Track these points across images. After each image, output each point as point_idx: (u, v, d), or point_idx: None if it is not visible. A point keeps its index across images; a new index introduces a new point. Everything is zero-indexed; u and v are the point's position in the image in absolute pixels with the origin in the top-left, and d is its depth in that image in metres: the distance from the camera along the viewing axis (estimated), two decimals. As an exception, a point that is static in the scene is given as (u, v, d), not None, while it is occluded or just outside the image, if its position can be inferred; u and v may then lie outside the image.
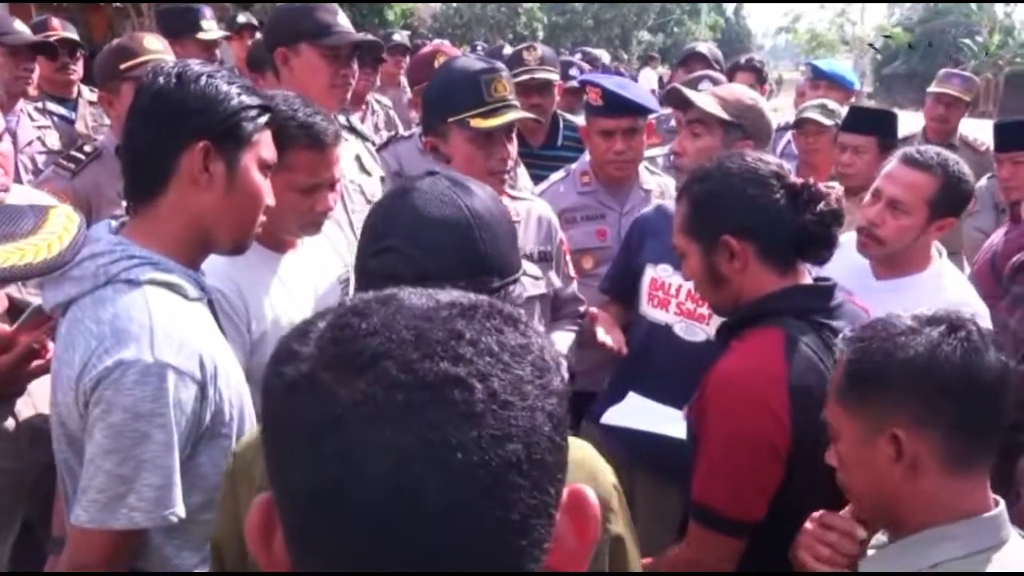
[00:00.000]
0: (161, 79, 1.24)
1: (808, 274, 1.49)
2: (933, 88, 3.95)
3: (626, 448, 1.92)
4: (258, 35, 4.26)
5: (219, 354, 1.25)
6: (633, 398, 1.96)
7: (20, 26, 2.99)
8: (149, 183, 1.26)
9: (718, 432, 1.35)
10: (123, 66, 2.36)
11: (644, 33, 33.30)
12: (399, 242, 1.00)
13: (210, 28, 3.25)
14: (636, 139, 2.40)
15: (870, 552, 1.16)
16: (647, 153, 2.64)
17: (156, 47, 2.44)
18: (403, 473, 0.45)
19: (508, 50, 4.36)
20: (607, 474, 1.02)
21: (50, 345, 1.38)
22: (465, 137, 1.87)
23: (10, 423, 1.58)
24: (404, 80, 5.13)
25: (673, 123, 3.25)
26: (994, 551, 1.01)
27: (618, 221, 2.44)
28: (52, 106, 3.32)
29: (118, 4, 8.49)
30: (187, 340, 1.19)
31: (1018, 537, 1.04)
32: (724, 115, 2.02)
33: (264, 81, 2.63)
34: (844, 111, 3.06)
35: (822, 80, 3.99)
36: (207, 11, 3.28)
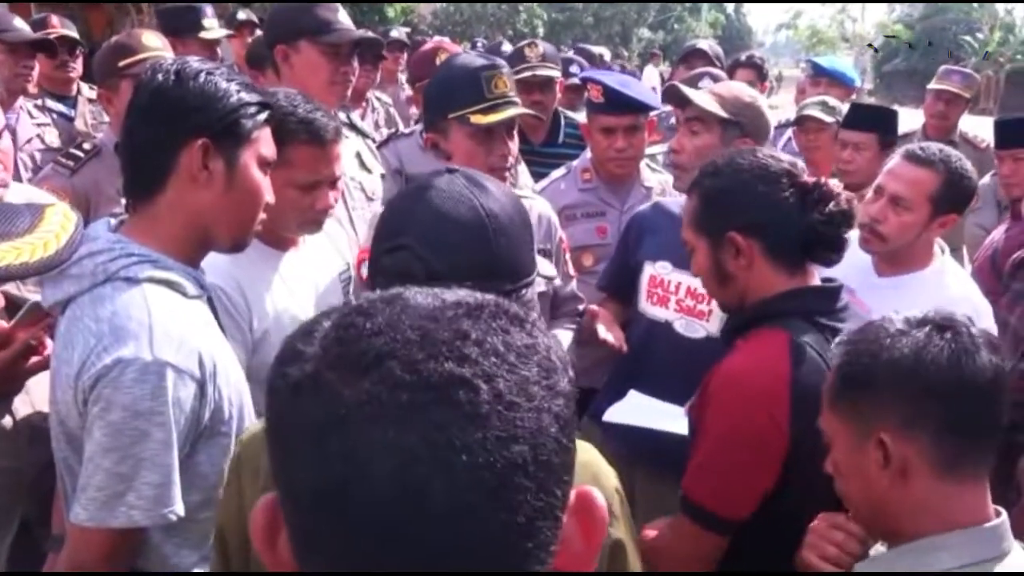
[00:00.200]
0: (160, 76, 1.24)
1: (816, 275, 1.47)
2: (933, 85, 3.94)
3: (626, 446, 1.92)
4: (258, 32, 4.25)
5: (218, 352, 1.25)
6: (634, 395, 1.96)
7: (20, 23, 2.98)
8: (148, 181, 1.25)
9: (715, 428, 1.35)
10: (122, 63, 2.35)
11: (644, 30, 33.28)
12: (413, 241, 0.99)
13: (212, 27, 3.24)
14: (637, 136, 2.40)
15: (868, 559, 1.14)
16: (648, 150, 2.64)
17: (155, 44, 2.43)
18: (408, 474, 0.44)
19: (507, 47, 4.36)
20: (610, 477, 1.02)
21: (48, 342, 1.37)
22: (465, 133, 1.87)
23: (8, 421, 1.57)
24: (402, 77, 5.13)
25: (674, 120, 3.24)
26: (994, 563, 0.97)
27: (619, 218, 2.43)
28: (52, 103, 3.32)
29: (118, 2, 8.48)
30: (186, 338, 1.18)
31: (1020, 549, 1.01)
32: (722, 113, 2.01)
33: (264, 78, 2.62)
34: (845, 108, 3.06)
35: (823, 77, 3.98)
36: (208, 9, 3.26)
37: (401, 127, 3.79)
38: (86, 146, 2.47)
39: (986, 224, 3.24)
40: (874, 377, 1.03)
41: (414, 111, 4.49)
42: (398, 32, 5.50)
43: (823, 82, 3.93)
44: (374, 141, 2.70)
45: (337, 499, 0.46)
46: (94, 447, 1.15)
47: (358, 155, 2.36)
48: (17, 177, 2.81)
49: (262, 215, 1.33)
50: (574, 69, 4.01)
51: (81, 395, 1.16)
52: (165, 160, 1.23)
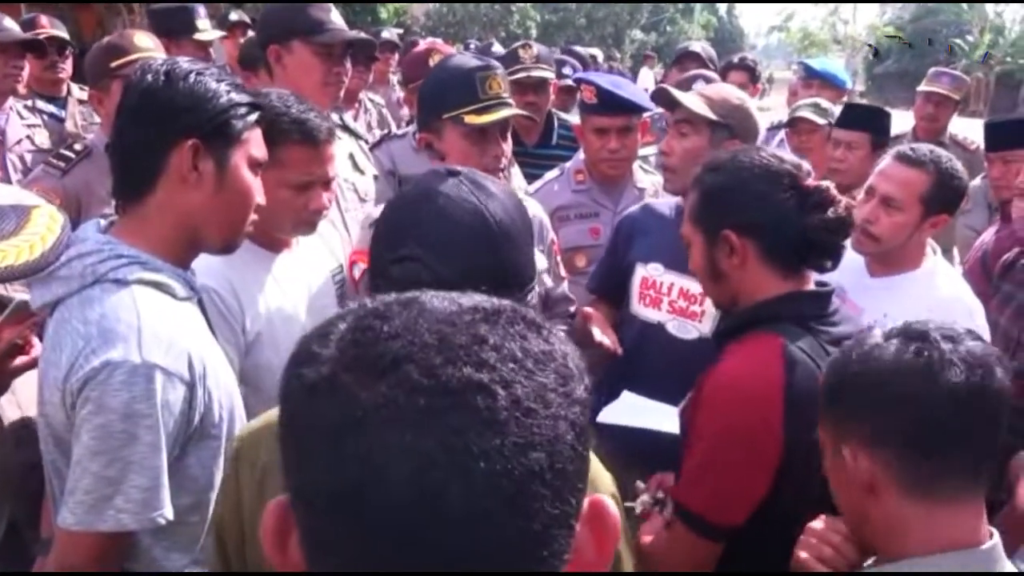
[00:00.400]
0: (149, 77, 1.23)
1: (812, 279, 1.46)
2: (923, 87, 3.95)
3: (621, 447, 1.92)
4: (250, 33, 4.23)
5: (208, 354, 1.24)
6: (628, 396, 1.95)
7: (9, 23, 2.96)
8: (138, 182, 1.24)
9: (708, 433, 1.34)
10: (113, 64, 2.34)
11: (637, 32, 33.32)
12: (422, 251, 0.98)
13: (206, 28, 3.22)
14: (630, 137, 2.40)
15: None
16: (641, 152, 2.64)
17: (147, 45, 2.42)
18: (425, 478, 0.44)
19: (497, 48, 4.36)
20: (607, 483, 1.01)
21: (34, 341, 1.36)
22: (459, 133, 1.86)
23: (-5, 423, 1.56)
24: (394, 78, 5.12)
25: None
26: None
27: (612, 219, 2.43)
28: (42, 104, 3.30)
29: (108, 2, 8.44)
30: (175, 340, 1.18)
31: (1013, 568, 0.97)
32: (711, 115, 2.01)
33: (257, 79, 2.60)
34: (837, 110, 3.07)
35: (815, 79, 4.00)
36: (201, 10, 3.23)
37: (394, 128, 3.79)
38: (77, 147, 2.46)
39: (976, 226, 3.25)
40: (843, 391, 1.02)
41: (406, 112, 4.48)
42: (389, 33, 5.49)
43: (815, 84, 3.95)
44: (367, 142, 2.70)
45: (353, 501, 0.45)
46: (82, 450, 1.14)
47: (351, 156, 2.35)
48: (7, 178, 2.79)
49: (253, 216, 1.33)
50: (567, 70, 4.01)
51: (69, 398, 1.15)
52: (155, 161, 1.22)
